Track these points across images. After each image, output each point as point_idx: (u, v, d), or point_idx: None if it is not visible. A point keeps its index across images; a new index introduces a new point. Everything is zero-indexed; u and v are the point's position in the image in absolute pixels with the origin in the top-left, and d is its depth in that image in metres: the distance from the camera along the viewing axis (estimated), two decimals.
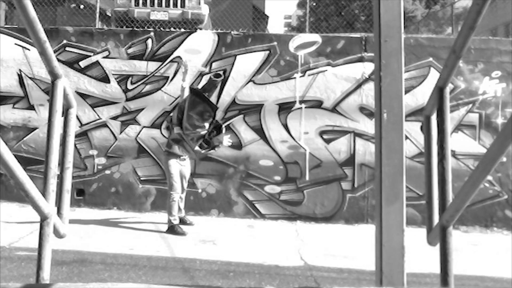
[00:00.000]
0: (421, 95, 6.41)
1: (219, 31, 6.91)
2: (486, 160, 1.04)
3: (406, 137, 6.31)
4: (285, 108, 6.59)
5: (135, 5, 8.11)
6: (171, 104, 6.64)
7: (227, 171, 6.56)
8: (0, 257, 4.30)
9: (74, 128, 1.71)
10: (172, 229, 5.49)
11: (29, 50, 6.76)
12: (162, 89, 6.66)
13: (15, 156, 1.08)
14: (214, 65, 6.64)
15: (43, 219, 1.34)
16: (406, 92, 6.31)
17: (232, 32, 6.72)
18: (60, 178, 1.65)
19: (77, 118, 6.48)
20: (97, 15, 7.76)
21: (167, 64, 6.67)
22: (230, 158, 6.54)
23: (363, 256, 4.75)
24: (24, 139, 6.76)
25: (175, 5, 8.17)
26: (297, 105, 6.59)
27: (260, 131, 6.58)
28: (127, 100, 6.70)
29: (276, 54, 6.61)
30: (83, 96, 6.68)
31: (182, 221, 5.77)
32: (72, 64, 6.74)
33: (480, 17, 1.17)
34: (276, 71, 6.60)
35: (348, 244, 5.51)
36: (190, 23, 8.08)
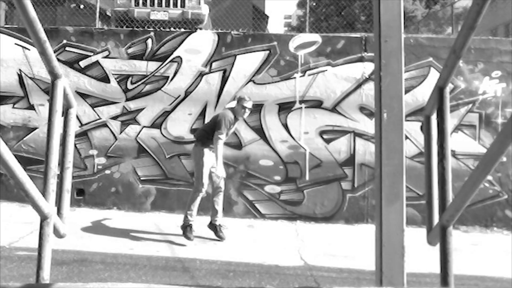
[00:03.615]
0: (421, 95, 6.41)
1: (219, 31, 6.90)
2: (486, 160, 1.04)
3: (406, 137, 6.31)
4: (285, 108, 6.59)
5: (135, 5, 8.11)
6: (171, 104, 6.64)
7: (227, 171, 6.56)
8: (0, 257, 4.30)
9: (74, 128, 1.71)
10: (184, 229, 5.09)
11: (29, 50, 6.76)
12: (162, 89, 6.66)
13: (15, 156, 1.08)
14: (214, 65, 6.64)
15: (43, 219, 1.34)
16: (406, 92, 6.31)
17: (232, 32, 6.71)
18: (60, 178, 1.65)
19: (77, 118, 6.49)
20: (97, 15, 7.76)
21: (167, 64, 6.67)
22: (230, 158, 6.53)
23: (363, 256, 4.75)
24: (24, 139, 6.76)
25: (175, 5, 8.17)
26: (297, 105, 6.59)
27: (260, 131, 6.58)
28: (127, 100, 6.70)
29: (276, 54, 6.61)
30: (83, 96, 6.68)
31: (216, 227, 5.27)
32: (72, 64, 6.74)
33: (480, 17, 1.17)
34: (276, 71, 6.60)
35: (348, 244, 5.51)
36: (190, 23, 8.08)
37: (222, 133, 4.97)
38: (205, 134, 5.21)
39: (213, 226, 5.31)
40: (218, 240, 5.29)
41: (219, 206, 5.28)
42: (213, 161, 5.13)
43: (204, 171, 5.04)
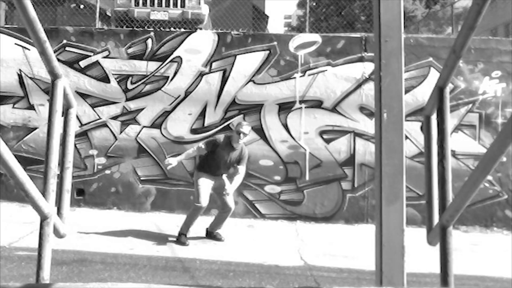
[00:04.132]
0: (421, 95, 6.41)
1: (219, 31, 6.91)
2: (486, 160, 1.04)
3: (406, 137, 6.31)
4: (285, 108, 6.59)
5: (135, 5, 8.10)
6: (171, 104, 6.64)
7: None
8: (0, 257, 4.30)
9: (74, 128, 1.71)
10: (179, 237, 5.22)
11: (29, 50, 6.76)
12: (162, 89, 6.66)
13: (15, 156, 1.08)
14: (214, 65, 6.64)
15: (43, 219, 1.33)
16: (406, 92, 6.30)
17: (232, 32, 6.72)
18: (60, 178, 1.64)
19: (77, 118, 6.48)
20: (97, 15, 7.75)
21: (167, 64, 6.67)
22: None
23: (363, 256, 4.75)
24: (24, 139, 6.76)
25: (175, 5, 8.16)
26: (297, 105, 6.59)
27: (260, 131, 6.57)
28: (127, 100, 6.70)
29: (276, 54, 6.61)
30: (83, 96, 6.68)
31: (214, 236, 5.39)
32: (72, 64, 6.74)
33: (480, 17, 1.17)
34: (276, 71, 6.60)
35: (348, 244, 5.51)
36: (190, 23, 8.08)
37: (201, 145, 5.23)
38: (200, 157, 5.44)
39: (211, 234, 5.42)
40: (218, 240, 5.32)
41: (221, 223, 5.37)
42: (217, 182, 5.24)
43: (199, 189, 5.12)
